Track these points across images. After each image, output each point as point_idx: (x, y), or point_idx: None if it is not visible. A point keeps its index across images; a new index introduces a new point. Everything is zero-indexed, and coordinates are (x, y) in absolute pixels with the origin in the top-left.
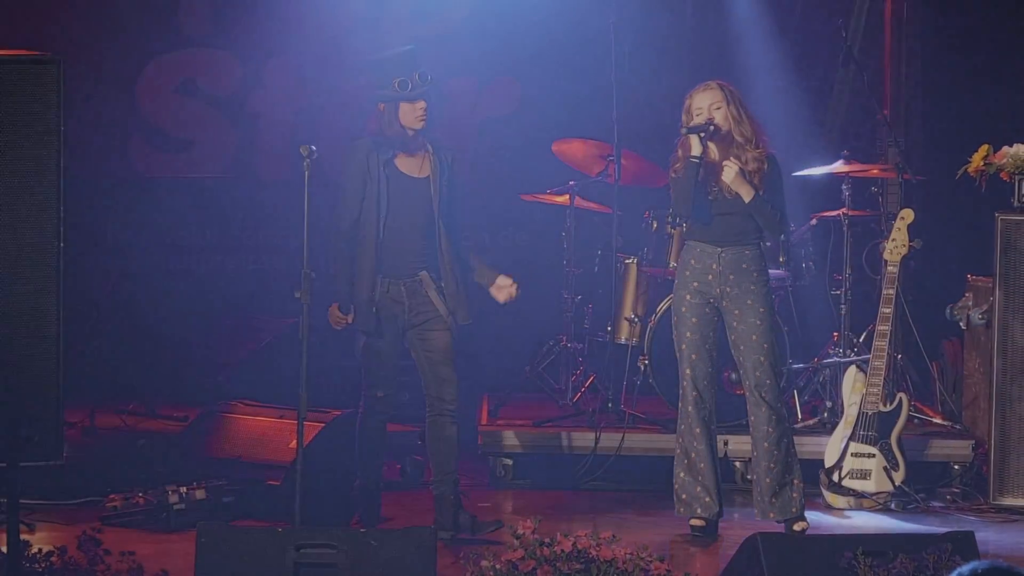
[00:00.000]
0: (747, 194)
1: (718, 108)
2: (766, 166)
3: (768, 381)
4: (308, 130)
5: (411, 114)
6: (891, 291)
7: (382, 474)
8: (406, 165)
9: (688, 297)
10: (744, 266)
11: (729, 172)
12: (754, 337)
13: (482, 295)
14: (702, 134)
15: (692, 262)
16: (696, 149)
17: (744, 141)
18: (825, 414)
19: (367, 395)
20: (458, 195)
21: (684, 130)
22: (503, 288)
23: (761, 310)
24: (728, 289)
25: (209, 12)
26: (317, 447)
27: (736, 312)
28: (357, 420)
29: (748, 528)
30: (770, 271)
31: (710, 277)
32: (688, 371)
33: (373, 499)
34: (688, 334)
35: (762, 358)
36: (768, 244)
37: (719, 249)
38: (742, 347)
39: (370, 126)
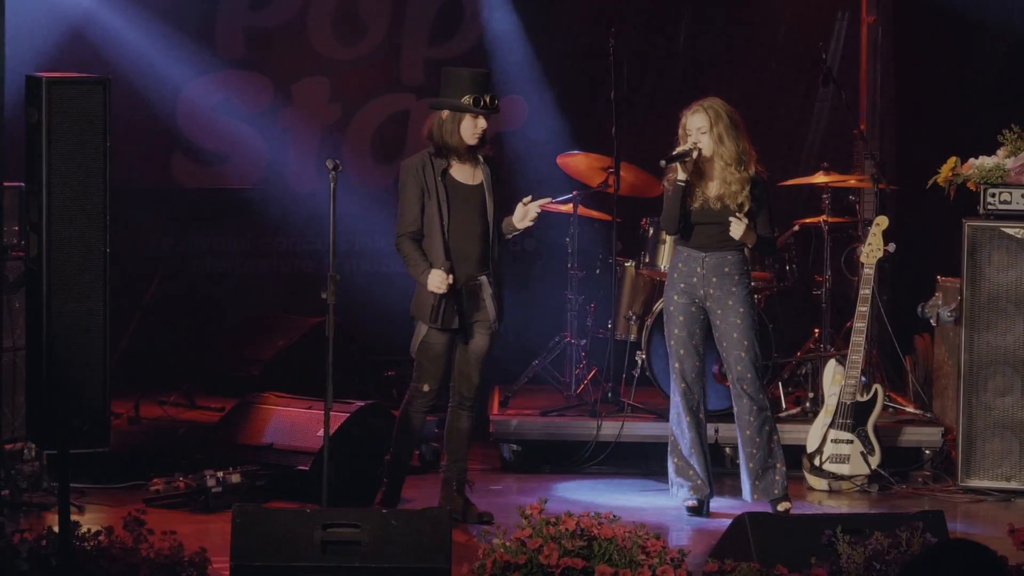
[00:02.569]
0: (751, 241)
1: (704, 132)
2: (748, 187)
3: (749, 375)
4: (334, 145)
5: (471, 129)
6: (867, 291)
7: (412, 459)
8: (460, 173)
9: (676, 297)
10: (726, 270)
11: (737, 229)
12: (735, 335)
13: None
14: (685, 160)
15: (680, 266)
16: (682, 175)
17: (724, 164)
18: (807, 404)
19: (415, 385)
20: (502, 203)
21: (663, 163)
22: (520, 213)
23: (741, 310)
24: (712, 291)
25: (243, 38)
26: (342, 435)
27: (719, 311)
28: (402, 404)
29: (737, 508)
30: (756, 273)
31: (695, 279)
32: (677, 365)
33: (398, 480)
34: (676, 331)
35: (743, 354)
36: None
37: (703, 254)
38: (725, 343)
39: (425, 129)
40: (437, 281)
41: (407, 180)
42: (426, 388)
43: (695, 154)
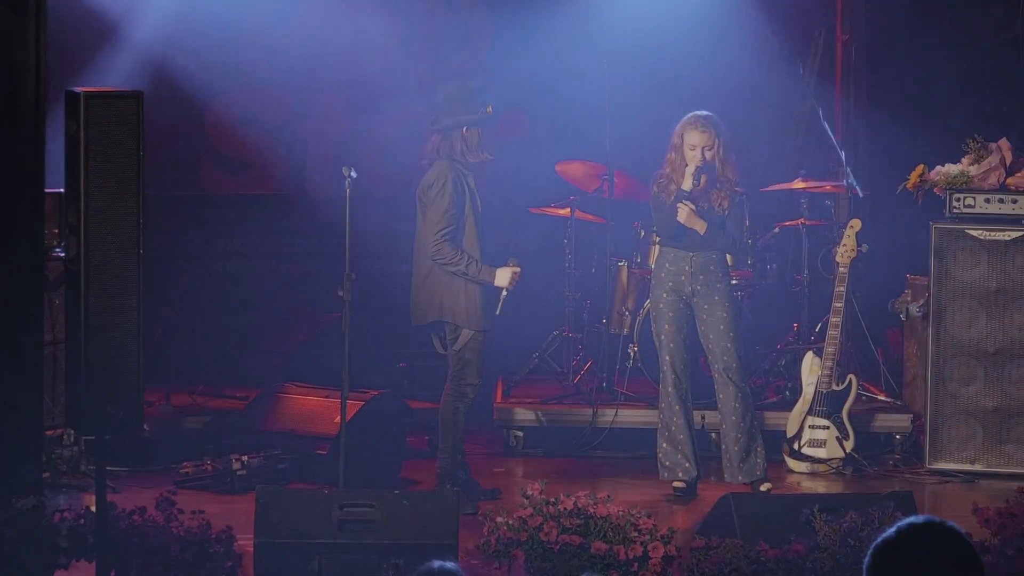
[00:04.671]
0: (701, 228)
1: (710, 150)
2: (736, 201)
3: (734, 364)
4: (349, 154)
5: (486, 140)
6: (842, 288)
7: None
8: (471, 183)
9: (665, 295)
10: (711, 268)
11: (682, 213)
12: (721, 327)
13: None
14: (696, 184)
15: (667, 265)
16: (686, 186)
17: (724, 182)
18: (787, 392)
19: (463, 383)
20: None
21: (690, 189)
22: None
23: (726, 304)
24: (698, 288)
25: (266, 55)
26: (358, 422)
27: (705, 307)
28: (449, 406)
29: (722, 489)
30: (740, 272)
31: (683, 278)
32: (667, 357)
33: (465, 475)
34: (666, 326)
35: (728, 345)
36: None
37: (690, 254)
38: (711, 336)
39: (439, 149)
40: (509, 276)
41: (445, 186)
42: (479, 382)
43: (703, 173)
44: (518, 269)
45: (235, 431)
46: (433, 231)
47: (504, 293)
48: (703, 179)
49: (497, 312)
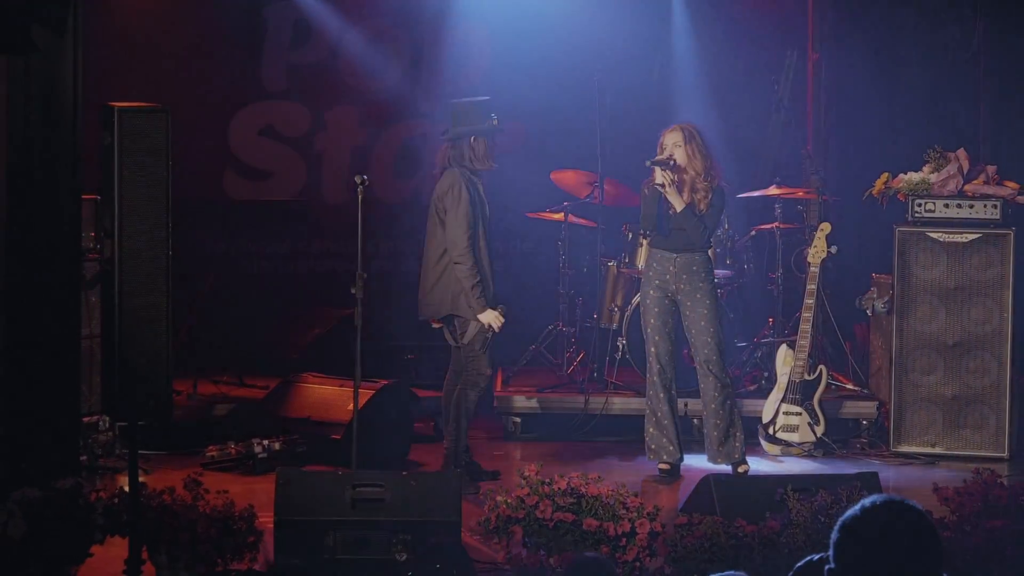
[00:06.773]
0: (678, 205)
1: (678, 146)
2: (711, 196)
3: (714, 357)
4: (361, 163)
5: (491, 149)
6: (813, 286)
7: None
8: (481, 190)
9: (652, 293)
10: (694, 268)
11: (658, 175)
12: (703, 323)
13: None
14: (664, 166)
15: (654, 265)
16: (659, 179)
17: (695, 174)
18: (763, 382)
19: (477, 373)
20: None
21: (648, 163)
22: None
23: (708, 302)
24: (682, 286)
25: (284, 71)
26: (369, 409)
27: (688, 303)
28: (461, 394)
29: (703, 470)
30: (720, 271)
31: (668, 277)
32: (653, 349)
33: (467, 458)
34: (652, 321)
35: (709, 339)
36: (719, 251)
37: (674, 255)
38: (693, 330)
39: (444, 157)
40: (492, 317)
41: (461, 192)
42: (490, 371)
43: (672, 162)
44: (503, 320)
45: (257, 418)
46: (460, 235)
47: (484, 328)
48: (669, 168)
49: (463, 340)
